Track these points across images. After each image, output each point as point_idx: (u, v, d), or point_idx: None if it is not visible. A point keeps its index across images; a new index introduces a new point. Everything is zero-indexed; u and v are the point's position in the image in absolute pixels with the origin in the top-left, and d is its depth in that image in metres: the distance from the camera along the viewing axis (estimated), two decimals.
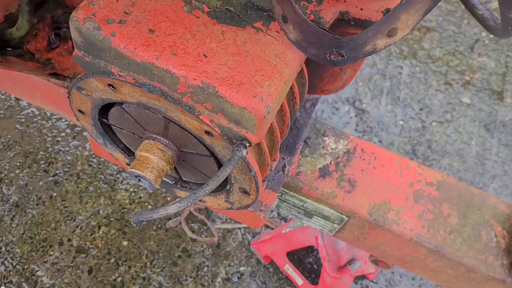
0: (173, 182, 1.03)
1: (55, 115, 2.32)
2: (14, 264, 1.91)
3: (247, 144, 0.70)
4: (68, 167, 2.17)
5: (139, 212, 0.74)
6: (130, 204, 2.10)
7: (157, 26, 0.67)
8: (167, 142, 0.83)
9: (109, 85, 0.74)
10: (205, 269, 1.98)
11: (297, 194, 1.28)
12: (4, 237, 1.97)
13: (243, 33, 0.71)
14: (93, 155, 2.19)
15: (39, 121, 2.29)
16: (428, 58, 2.80)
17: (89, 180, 2.14)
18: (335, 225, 1.32)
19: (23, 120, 2.28)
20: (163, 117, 0.76)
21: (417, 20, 0.61)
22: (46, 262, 1.93)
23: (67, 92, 0.84)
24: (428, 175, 1.30)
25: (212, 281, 1.96)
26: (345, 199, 1.25)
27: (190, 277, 1.96)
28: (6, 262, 1.91)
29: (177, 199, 0.69)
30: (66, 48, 1.34)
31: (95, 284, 1.90)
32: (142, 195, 2.11)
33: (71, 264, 1.94)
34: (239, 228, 2.07)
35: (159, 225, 2.06)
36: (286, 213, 1.41)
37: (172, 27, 0.68)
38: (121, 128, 0.89)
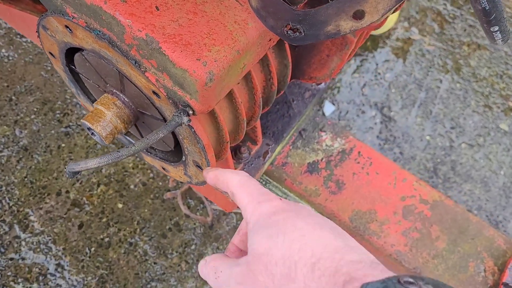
0: None
1: None
2: (10, 204, 1.95)
3: (190, 112, 0.64)
4: None
5: (71, 164, 0.70)
6: (133, 168, 2.09)
7: None
8: (126, 99, 0.78)
9: (66, 26, 0.70)
10: (193, 247, 1.95)
11: (280, 185, 1.21)
12: (7, 177, 2.01)
13: None
14: None
15: None
16: (472, 77, 2.63)
17: None
18: None
19: (49, 68, 2.31)
20: (117, 70, 0.71)
21: (390, 6, 0.52)
22: (41, 208, 1.96)
23: (36, 31, 0.81)
24: (424, 192, 1.20)
25: (197, 260, 1.92)
26: (328, 200, 1.17)
27: (176, 252, 1.93)
28: (3, 201, 1.95)
29: (100, 156, 0.64)
30: None
31: (83, 239, 1.91)
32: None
33: (64, 216, 1.95)
34: (235, 213, 2.02)
35: (157, 195, 2.04)
36: None
37: None
38: (86, 78, 0.85)
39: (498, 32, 0.49)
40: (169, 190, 2.05)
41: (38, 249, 1.87)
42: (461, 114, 2.49)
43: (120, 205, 2.00)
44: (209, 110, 0.65)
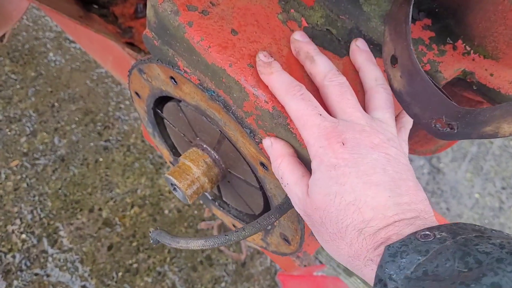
0: (212, 198, 0.92)
1: (124, 83, 2.29)
2: (41, 216, 1.89)
3: None
4: (122, 137, 2.12)
5: (161, 231, 0.65)
6: (169, 193, 2.01)
7: (242, 28, 0.55)
8: (217, 157, 0.71)
9: (171, 78, 0.63)
10: (223, 284, 1.86)
11: None
12: (41, 187, 1.95)
13: (339, 63, 0.58)
14: None
15: (109, 83, 2.27)
16: None
17: (137, 155, 2.08)
18: None
19: (95, 77, 2.26)
20: (219, 130, 0.64)
21: None
22: (71, 224, 1.89)
23: (128, 71, 0.74)
24: None
25: None
26: None
27: None
28: (34, 212, 1.89)
29: (204, 237, 0.57)
30: None
31: (111, 262, 1.83)
32: None
33: (94, 235, 1.88)
34: None
35: (191, 223, 1.96)
36: (325, 262, 1.26)
37: (259, 33, 0.55)
38: (173, 125, 0.78)
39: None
40: (203, 220, 1.96)
41: (65, 267, 1.80)
42: None
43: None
44: None
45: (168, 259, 1.87)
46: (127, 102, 2.22)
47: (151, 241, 0.65)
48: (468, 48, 0.60)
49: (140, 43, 1.29)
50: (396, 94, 0.55)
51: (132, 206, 1.97)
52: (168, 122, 0.81)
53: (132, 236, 1.90)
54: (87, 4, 1.29)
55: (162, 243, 0.65)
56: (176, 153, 0.90)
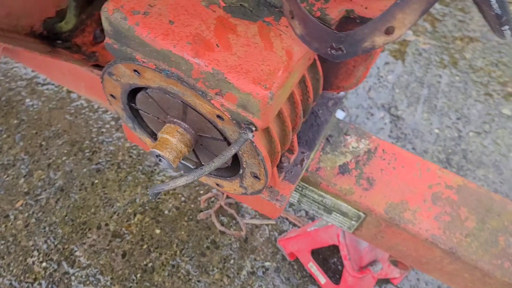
0: (194, 166, 1.11)
1: (101, 107, 2.48)
2: (55, 243, 2.06)
3: (253, 128, 0.76)
4: (110, 157, 2.31)
5: (153, 186, 0.82)
6: (164, 195, 2.21)
7: (177, 18, 0.75)
8: (186, 126, 0.90)
9: (134, 70, 0.82)
10: (232, 261, 2.05)
11: (316, 189, 1.33)
12: (48, 218, 2.13)
13: (254, 26, 0.78)
14: (134, 147, 2.32)
15: (87, 113, 2.45)
16: (469, 68, 2.76)
17: (128, 170, 2.27)
18: (353, 222, 1.36)
19: (72, 111, 2.45)
20: (181, 101, 0.84)
21: (415, 20, 0.65)
22: (84, 243, 2.07)
23: (100, 77, 0.94)
24: (448, 178, 1.31)
25: (238, 274, 2.03)
26: (362, 196, 1.28)
27: (217, 268, 2.03)
28: (48, 241, 2.07)
29: (186, 174, 0.76)
30: None
31: (128, 267, 2.01)
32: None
33: (107, 247, 2.06)
34: (267, 225, 2.13)
35: (191, 217, 2.15)
36: (308, 208, 1.46)
37: (190, 19, 0.75)
38: (147, 113, 0.97)
39: (508, 29, 0.62)
40: (201, 211, 2.16)
41: (88, 282, 1.98)
42: (464, 105, 2.61)
43: (157, 231, 2.11)
44: (267, 125, 0.78)
45: (178, 252, 2.06)
46: (107, 126, 2.41)
47: (151, 198, 0.84)
48: None
49: (105, 63, 1.48)
50: (299, 37, 0.76)
51: (135, 215, 2.15)
52: (142, 112, 1.00)
53: (141, 240, 2.09)
54: (52, 41, 1.47)
55: (159, 193, 0.83)
56: (156, 138, 1.10)
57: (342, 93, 1.33)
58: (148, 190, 0.82)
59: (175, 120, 0.92)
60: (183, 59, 0.73)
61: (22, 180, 2.22)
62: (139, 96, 0.94)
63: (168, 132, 0.91)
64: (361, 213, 1.30)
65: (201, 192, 2.21)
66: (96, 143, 2.36)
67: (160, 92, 0.87)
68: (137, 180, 2.24)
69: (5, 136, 2.35)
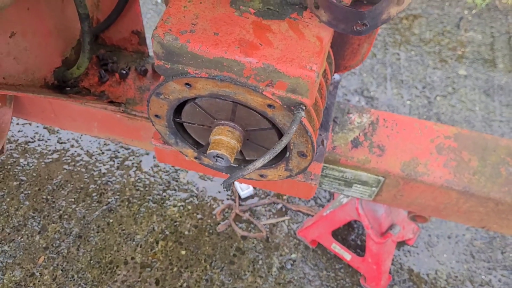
0: (238, 164, 1.22)
1: (95, 152, 2.55)
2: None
3: (304, 107, 0.90)
4: (118, 195, 2.38)
5: (229, 177, 0.93)
6: (180, 217, 2.30)
7: (219, 29, 0.89)
8: (234, 124, 1.03)
9: (186, 84, 0.94)
10: (260, 262, 2.17)
11: (336, 166, 1.47)
12: (74, 266, 2.17)
13: (284, 23, 0.92)
14: (138, 180, 2.40)
15: (84, 159, 2.52)
16: (421, 42, 3.02)
17: (139, 202, 2.35)
18: (374, 188, 1.51)
19: (69, 160, 2.51)
20: (231, 101, 0.96)
21: None
22: (116, 281, 2.13)
23: (147, 101, 1.05)
24: (444, 130, 1.49)
25: (269, 271, 2.14)
26: (378, 162, 1.44)
27: (248, 272, 2.14)
28: (80, 287, 2.11)
29: (260, 157, 0.89)
30: (115, 80, 1.57)
31: None
32: (189, 207, 2.32)
33: (139, 279, 2.13)
34: (283, 221, 2.26)
35: (211, 231, 2.25)
36: (328, 188, 1.60)
37: (231, 28, 0.89)
38: (192, 123, 1.09)
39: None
40: (219, 223, 2.26)
41: None
42: (426, 74, 2.86)
43: (183, 252, 2.20)
44: (313, 103, 0.92)
45: (207, 266, 2.16)
46: (107, 166, 2.48)
47: (224, 190, 0.95)
48: None
49: (116, 98, 1.56)
50: (327, 24, 0.90)
51: (157, 242, 2.23)
52: (187, 124, 1.12)
53: (170, 264, 2.17)
54: (62, 89, 1.56)
55: (234, 182, 0.93)
56: (198, 147, 1.21)
57: (338, 77, 1.49)
58: (221, 184, 0.94)
59: (223, 122, 1.04)
60: (235, 62, 0.86)
61: (38, 237, 2.26)
62: (186, 108, 1.05)
63: (220, 133, 1.02)
64: (380, 177, 1.45)
65: (214, 206, 2.32)
66: (100, 185, 2.42)
67: (209, 99, 0.98)
68: (150, 209, 2.32)
69: (8, 199, 2.38)
